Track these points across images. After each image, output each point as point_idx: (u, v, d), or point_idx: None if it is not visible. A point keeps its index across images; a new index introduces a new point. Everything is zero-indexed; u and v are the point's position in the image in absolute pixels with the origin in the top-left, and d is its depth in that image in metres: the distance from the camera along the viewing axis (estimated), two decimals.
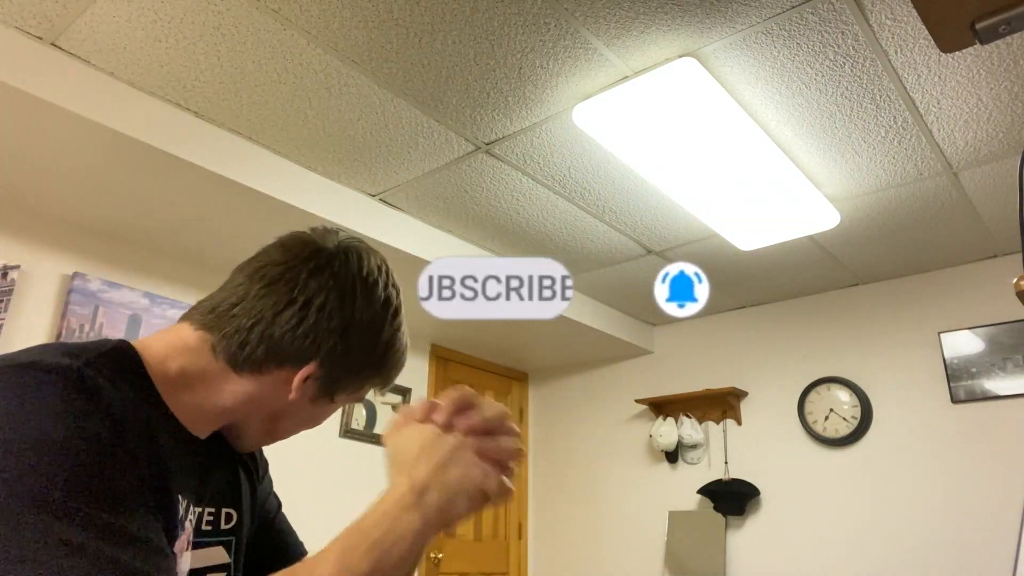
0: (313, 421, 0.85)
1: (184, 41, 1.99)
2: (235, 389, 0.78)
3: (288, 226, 0.89)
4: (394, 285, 0.85)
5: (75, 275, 2.66)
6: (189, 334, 0.78)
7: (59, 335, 2.57)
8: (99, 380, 0.66)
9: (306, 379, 0.78)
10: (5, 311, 2.48)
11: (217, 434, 0.83)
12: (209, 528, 0.81)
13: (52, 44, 2.01)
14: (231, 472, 0.86)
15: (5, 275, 2.50)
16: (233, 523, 0.84)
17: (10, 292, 2.50)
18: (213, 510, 0.82)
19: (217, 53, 2.03)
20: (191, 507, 0.76)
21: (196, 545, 0.78)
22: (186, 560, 0.75)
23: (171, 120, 2.25)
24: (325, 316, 0.77)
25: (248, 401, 0.79)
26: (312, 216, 2.59)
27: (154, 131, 2.20)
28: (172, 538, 0.68)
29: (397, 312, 0.84)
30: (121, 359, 0.72)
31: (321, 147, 2.50)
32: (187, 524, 0.75)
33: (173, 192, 2.47)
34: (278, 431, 0.85)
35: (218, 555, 0.81)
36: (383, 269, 0.84)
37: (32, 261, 2.60)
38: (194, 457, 0.77)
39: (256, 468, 0.93)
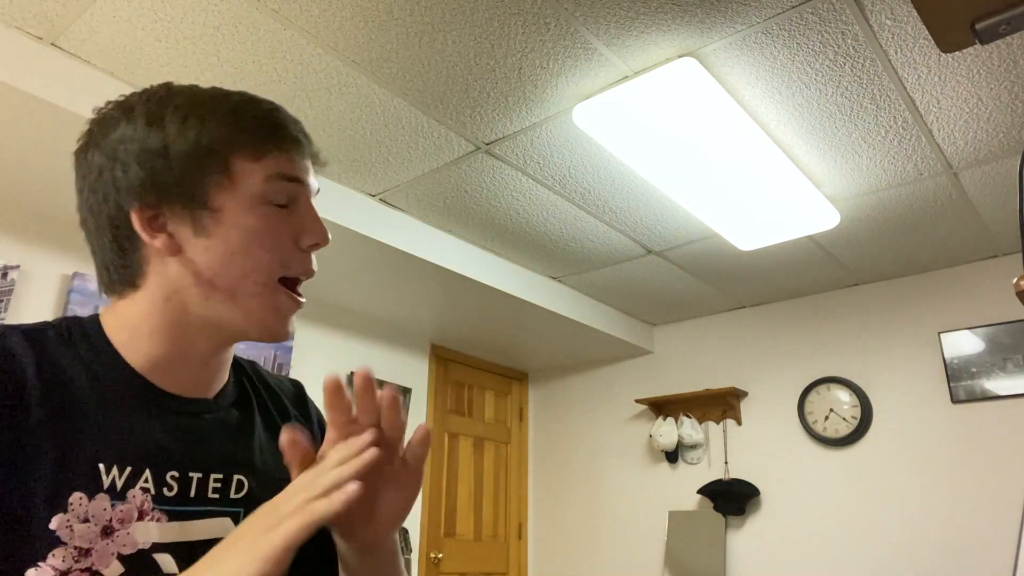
0: (256, 239, 0.71)
1: (184, 41, 1.99)
2: (142, 302, 0.72)
3: None
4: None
5: (75, 275, 2.66)
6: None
7: None
8: (13, 341, 0.65)
9: (144, 219, 0.70)
10: (5, 311, 2.48)
11: (242, 397, 0.79)
12: (216, 496, 0.72)
13: (52, 44, 2.01)
14: (247, 435, 0.77)
15: (5, 275, 2.50)
16: (244, 491, 0.73)
17: (10, 292, 2.50)
18: (220, 476, 0.72)
19: (217, 53, 2.03)
20: (147, 472, 0.67)
21: (181, 515, 0.69)
22: (146, 530, 0.66)
23: None
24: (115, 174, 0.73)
25: (163, 297, 0.71)
26: None
27: None
28: (56, 504, 0.62)
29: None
30: (85, 324, 0.72)
31: (321, 147, 2.50)
32: (134, 492, 0.66)
33: None
34: (246, 285, 0.70)
35: (220, 527, 0.71)
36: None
37: (32, 261, 2.60)
38: (171, 419, 0.71)
39: (312, 429, 0.84)
